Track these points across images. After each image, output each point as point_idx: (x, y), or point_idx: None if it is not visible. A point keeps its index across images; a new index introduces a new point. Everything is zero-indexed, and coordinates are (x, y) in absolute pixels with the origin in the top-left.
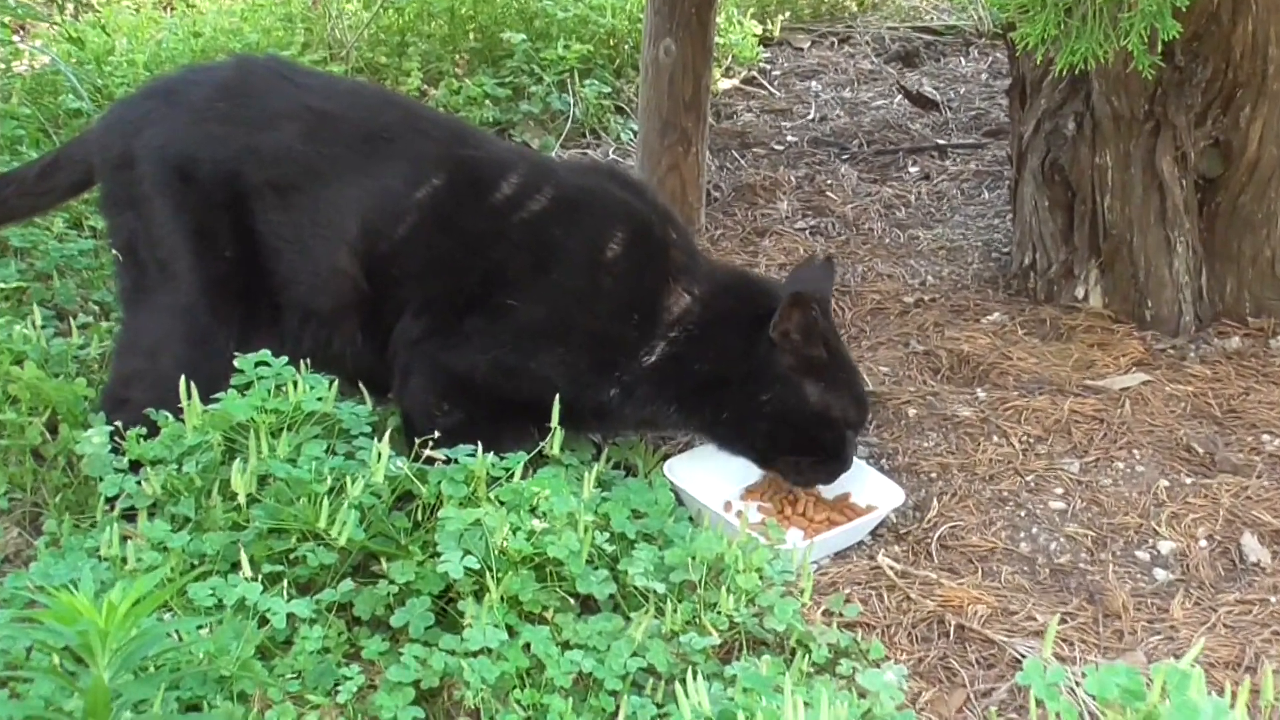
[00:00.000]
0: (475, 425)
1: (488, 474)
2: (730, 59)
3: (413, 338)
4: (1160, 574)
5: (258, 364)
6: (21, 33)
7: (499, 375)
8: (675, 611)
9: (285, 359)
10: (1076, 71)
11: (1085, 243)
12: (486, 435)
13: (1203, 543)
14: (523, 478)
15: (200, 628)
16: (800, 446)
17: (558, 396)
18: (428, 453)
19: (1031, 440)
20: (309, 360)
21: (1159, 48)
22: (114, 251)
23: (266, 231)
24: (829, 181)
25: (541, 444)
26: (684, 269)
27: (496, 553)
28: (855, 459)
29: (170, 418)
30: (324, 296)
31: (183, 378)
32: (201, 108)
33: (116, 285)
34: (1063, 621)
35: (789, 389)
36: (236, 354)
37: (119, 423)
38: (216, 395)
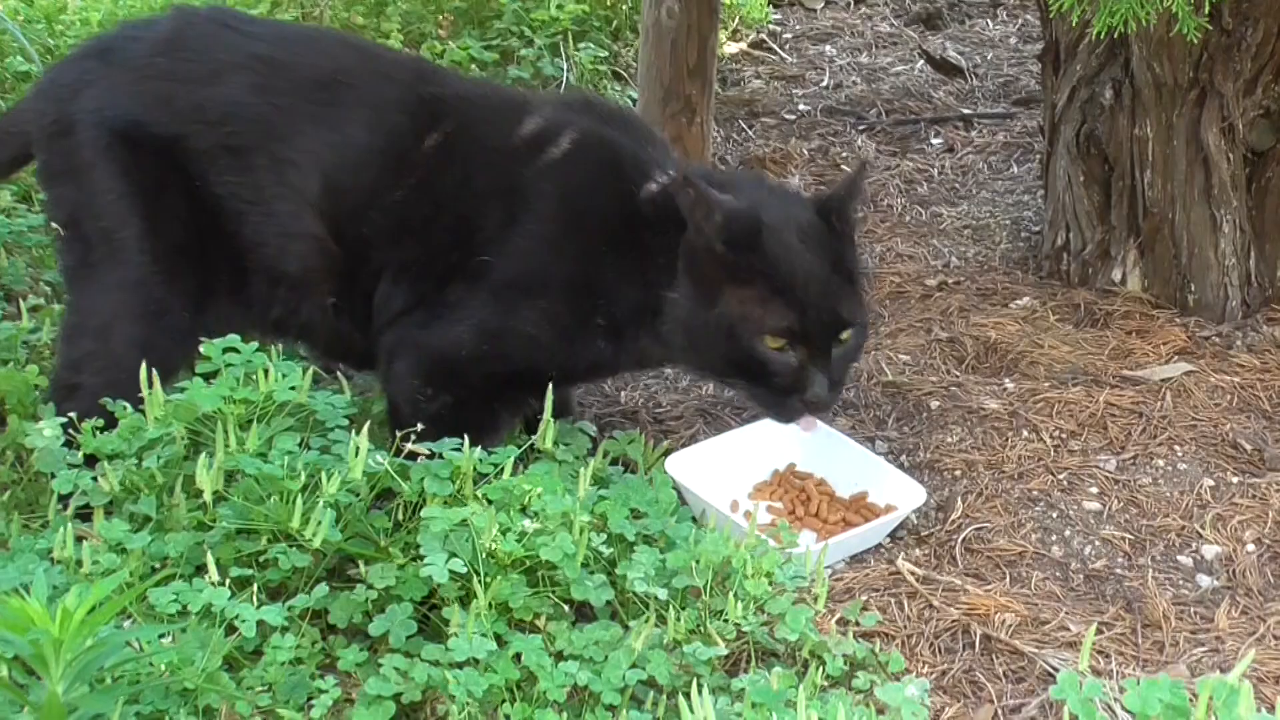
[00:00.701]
0: (465, 407)
1: (475, 470)
2: (737, 21)
3: (396, 310)
4: (1204, 580)
5: (225, 350)
6: None
7: (484, 343)
8: (678, 620)
9: (255, 346)
10: (1115, 35)
11: (1123, 221)
12: (479, 416)
13: (1250, 547)
14: (513, 474)
15: (162, 636)
16: (725, 369)
17: (549, 366)
18: (410, 446)
19: (1064, 435)
20: (278, 328)
21: (1205, 9)
22: (55, 227)
23: (225, 194)
24: (844, 154)
25: (533, 438)
26: (660, 195)
27: (484, 555)
28: (872, 454)
29: (128, 406)
30: (292, 260)
31: (137, 357)
32: (141, 66)
33: (60, 263)
34: (1099, 631)
35: (685, 294)
36: (195, 325)
37: (72, 413)
38: (181, 385)
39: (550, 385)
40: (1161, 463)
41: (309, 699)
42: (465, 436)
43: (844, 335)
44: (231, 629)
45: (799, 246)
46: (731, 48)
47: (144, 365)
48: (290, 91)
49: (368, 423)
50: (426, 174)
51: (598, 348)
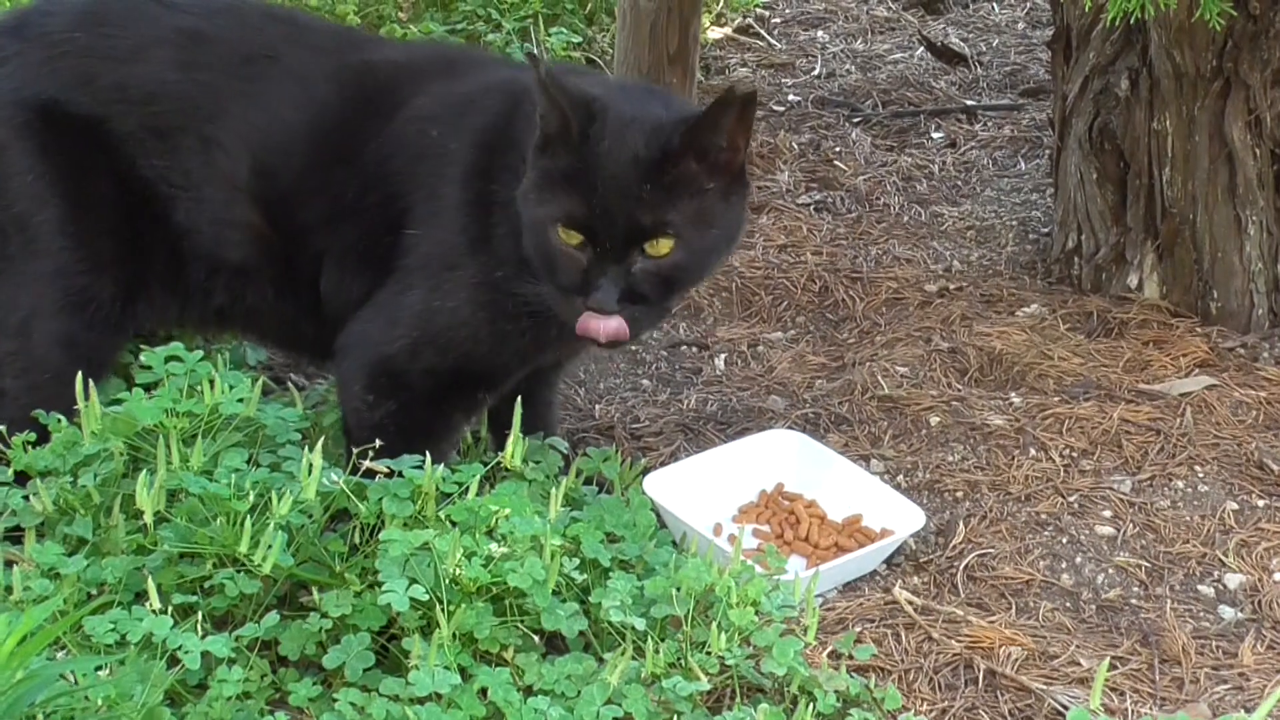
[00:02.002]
0: (410, 412)
1: (438, 489)
2: (722, 4)
3: (352, 301)
4: (1227, 612)
5: (168, 359)
6: None
7: (415, 330)
8: (657, 652)
9: (200, 354)
10: (1132, 20)
11: (1140, 223)
12: (429, 421)
13: (1278, 576)
14: (479, 494)
15: (99, 668)
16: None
17: (490, 352)
18: (367, 464)
19: (1075, 454)
20: (220, 319)
21: None
22: None
23: (153, 178)
24: (837, 149)
25: (500, 455)
26: None
27: (447, 582)
28: (867, 474)
29: (62, 419)
30: (230, 249)
31: (60, 355)
32: (58, 41)
33: None
34: (1112, 667)
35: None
36: (125, 318)
37: (0, 426)
38: (119, 396)
39: (509, 383)
40: (1181, 484)
41: None
42: (414, 446)
43: (652, 247)
44: (174, 661)
45: (619, 145)
46: (716, 33)
47: (69, 364)
48: (215, 67)
49: (321, 438)
50: (354, 150)
51: (524, 320)
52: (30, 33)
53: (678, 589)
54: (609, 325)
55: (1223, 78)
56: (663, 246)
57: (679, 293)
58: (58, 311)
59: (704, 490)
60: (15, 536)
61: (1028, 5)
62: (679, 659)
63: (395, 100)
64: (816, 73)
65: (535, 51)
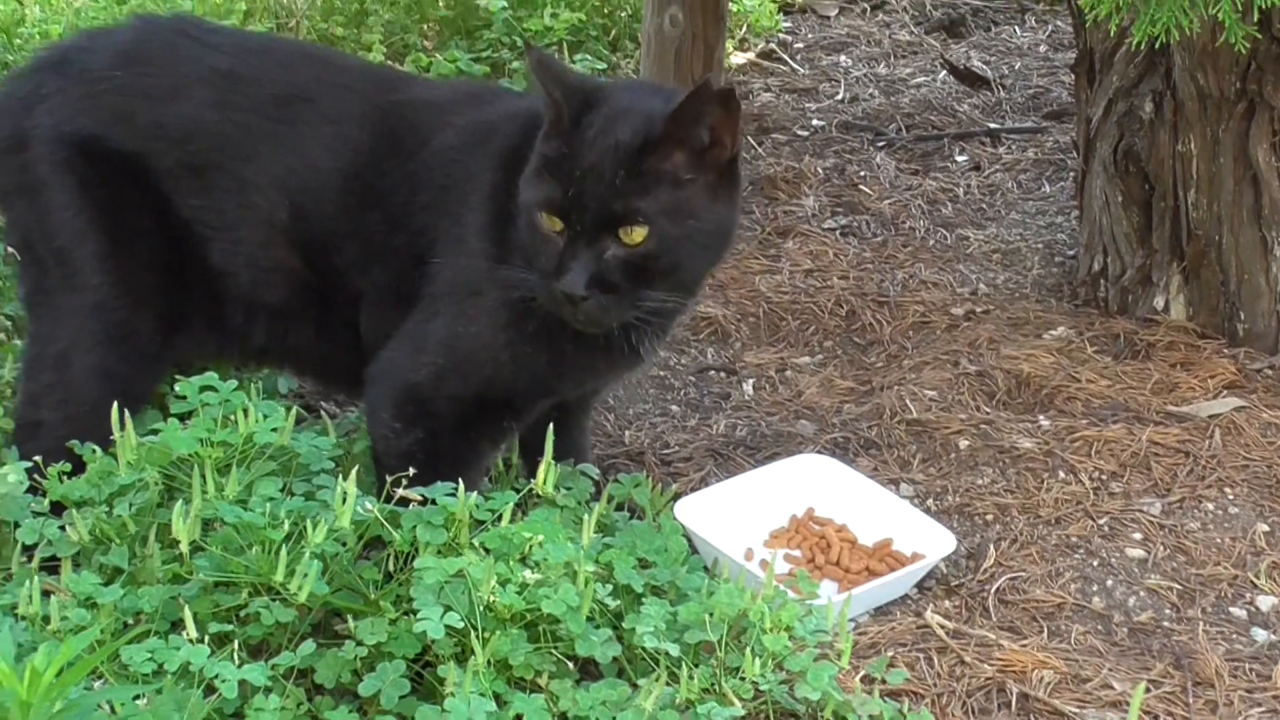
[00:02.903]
0: (439, 439)
1: (471, 516)
2: (745, 29)
3: (385, 336)
4: (1260, 634)
5: (202, 389)
6: None
7: (439, 358)
8: (691, 677)
9: (234, 384)
10: (1156, 44)
11: (1165, 245)
12: (455, 449)
13: None
14: (512, 521)
15: (137, 697)
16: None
17: (513, 378)
18: (401, 492)
19: (1104, 477)
20: (264, 355)
21: (1255, 15)
22: (10, 251)
23: (190, 218)
24: (862, 173)
25: (532, 482)
26: None
27: (482, 609)
28: (897, 498)
29: (97, 450)
30: (269, 291)
31: (97, 387)
32: (98, 78)
33: (19, 291)
34: (1146, 690)
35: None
36: (164, 351)
37: (37, 455)
38: (155, 427)
39: (534, 412)
40: (1211, 506)
41: None
42: (443, 474)
43: (625, 235)
44: (211, 689)
45: (604, 133)
46: (739, 58)
47: (107, 396)
48: (251, 108)
49: (355, 467)
50: (383, 193)
51: (552, 339)
52: (71, 69)
53: (711, 614)
54: None
55: (1247, 99)
56: (635, 235)
57: (653, 284)
58: (96, 345)
59: (735, 515)
60: (52, 566)
61: (1050, 28)
62: (713, 684)
63: (421, 139)
64: (840, 97)
65: (533, 48)
